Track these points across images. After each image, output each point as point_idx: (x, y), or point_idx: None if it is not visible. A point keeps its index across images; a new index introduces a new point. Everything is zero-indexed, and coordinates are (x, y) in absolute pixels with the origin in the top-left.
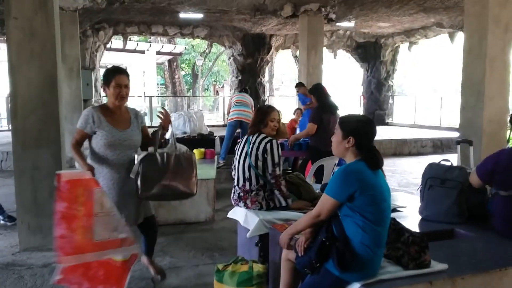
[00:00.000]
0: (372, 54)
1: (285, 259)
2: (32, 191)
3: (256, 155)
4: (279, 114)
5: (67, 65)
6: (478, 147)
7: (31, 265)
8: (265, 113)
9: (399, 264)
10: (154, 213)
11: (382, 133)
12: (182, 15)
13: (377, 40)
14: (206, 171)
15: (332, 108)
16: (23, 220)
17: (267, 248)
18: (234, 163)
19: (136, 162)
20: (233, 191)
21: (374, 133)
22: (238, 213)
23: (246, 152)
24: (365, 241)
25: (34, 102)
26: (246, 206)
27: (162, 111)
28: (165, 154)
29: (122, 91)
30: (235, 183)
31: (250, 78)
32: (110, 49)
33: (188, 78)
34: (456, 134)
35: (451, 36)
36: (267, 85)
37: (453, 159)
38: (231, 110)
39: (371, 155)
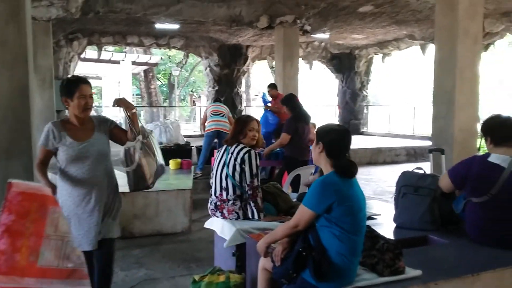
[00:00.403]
0: (346, 65)
1: (262, 268)
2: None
3: (234, 165)
4: (258, 124)
5: (40, 75)
6: (450, 155)
7: None
8: (244, 123)
9: (374, 271)
10: (116, 236)
11: (358, 142)
12: (158, 26)
13: (352, 52)
14: (182, 181)
15: (306, 118)
16: None
17: (244, 258)
18: (212, 172)
19: (131, 153)
20: (209, 201)
21: (344, 140)
22: (215, 223)
23: (224, 162)
24: (342, 251)
25: (4, 112)
26: (223, 216)
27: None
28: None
29: (88, 101)
30: (212, 193)
31: (227, 89)
32: (85, 59)
33: (165, 89)
34: (429, 143)
35: (423, 48)
36: (244, 95)
37: (426, 167)
38: (208, 121)
39: (341, 164)
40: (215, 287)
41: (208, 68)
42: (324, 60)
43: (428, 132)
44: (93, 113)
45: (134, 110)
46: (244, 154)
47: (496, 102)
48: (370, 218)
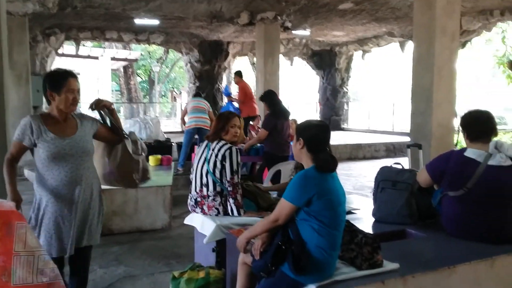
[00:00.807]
0: (327, 62)
1: (242, 263)
2: None
3: (215, 161)
4: (240, 120)
5: (16, 71)
6: (428, 151)
7: None
8: (226, 119)
9: (353, 265)
10: (97, 243)
11: (338, 138)
12: (138, 21)
13: (332, 48)
14: (162, 177)
15: (284, 114)
16: None
17: (224, 254)
18: (193, 167)
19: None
20: (189, 197)
21: (323, 135)
22: (195, 219)
23: (205, 158)
24: (321, 244)
25: None
26: (203, 212)
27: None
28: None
29: (76, 96)
30: (193, 189)
31: (208, 85)
32: (62, 55)
33: (145, 85)
34: (407, 139)
35: (402, 45)
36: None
37: (405, 162)
38: (188, 117)
39: (321, 158)
40: (195, 283)
41: (188, 64)
42: (305, 56)
43: (407, 128)
44: None
45: (113, 106)
46: (225, 150)
47: (472, 99)
48: (349, 212)
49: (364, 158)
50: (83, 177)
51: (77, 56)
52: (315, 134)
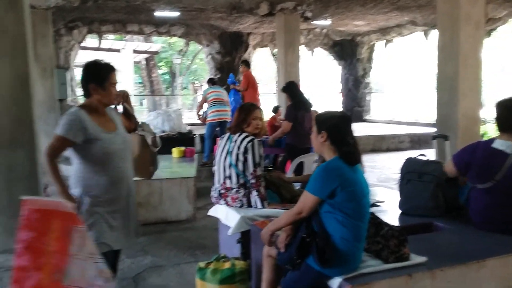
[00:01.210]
0: (348, 52)
1: (267, 255)
2: (7, 192)
3: (237, 154)
4: (261, 112)
5: (41, 64)
6: (454, 142)
7: (10, 267)
8: (247, 111)
9: (379, 257)
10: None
11: (360, 129)
12: (158, 14)
13: (353, 38)
14: (186, 169)
15: (306, 105)
16: None
17: (249, 245)
18: (215, 159)
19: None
20: (212, 189)
21: (347, 127)
22: (219, 211)
23: (228, 150)
24: (345, 236)
25: (6, 101)
26: (227, 203)
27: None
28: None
29: (116, 90)
30: (216, 181)
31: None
32: (85, 48)
33: (167, 77)
34: (432, 130)
35: (426, 34)
36: None
37: (430, 154)
38: (210, 111)
39: (346, 151)
40: (221, 273)
41: (209, 56)
42: (326, 47)
43: (432, 119)
44: None
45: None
46: (248, 143)
47: (498, 89)
48: (374, 205)
49: (388, 149)
50: (129, 171)
51: (99, 49)
52: (336, 125)
